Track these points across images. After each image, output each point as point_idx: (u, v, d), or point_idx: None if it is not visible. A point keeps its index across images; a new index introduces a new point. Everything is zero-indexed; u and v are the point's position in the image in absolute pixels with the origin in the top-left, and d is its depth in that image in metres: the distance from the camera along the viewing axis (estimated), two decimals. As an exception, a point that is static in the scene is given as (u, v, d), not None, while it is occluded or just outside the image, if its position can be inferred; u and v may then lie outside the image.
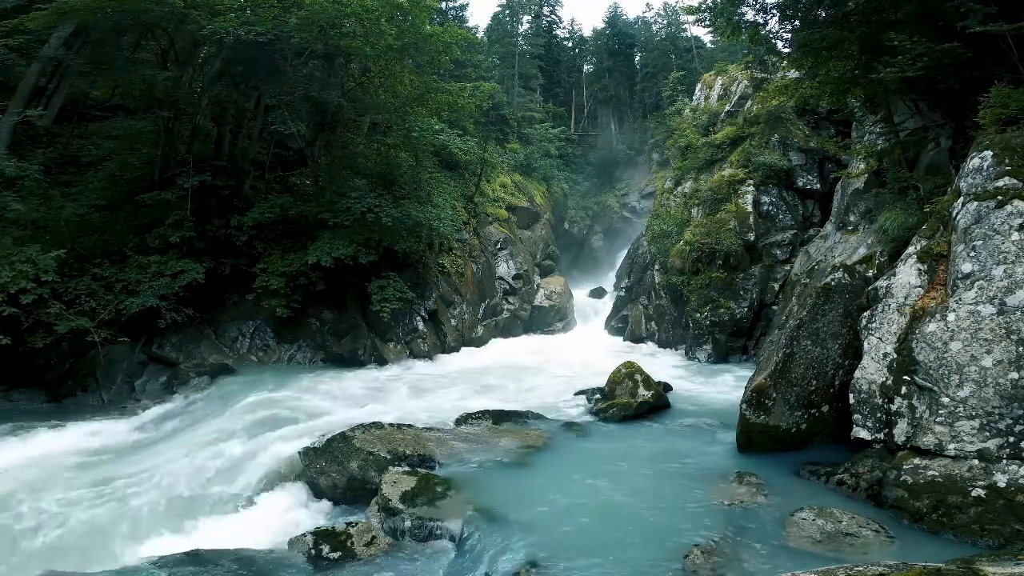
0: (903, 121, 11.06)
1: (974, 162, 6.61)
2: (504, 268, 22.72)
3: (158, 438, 9.57)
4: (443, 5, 32.82)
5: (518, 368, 15.27)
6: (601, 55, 49.67)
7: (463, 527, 5.66)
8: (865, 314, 6.99)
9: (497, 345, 19.56)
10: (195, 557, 5.55)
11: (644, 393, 10.12)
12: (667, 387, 11.39)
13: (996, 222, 5.98)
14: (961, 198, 6.57)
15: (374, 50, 14.60)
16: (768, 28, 11.79)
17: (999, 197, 6.05)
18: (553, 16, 48.13)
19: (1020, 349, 5.53)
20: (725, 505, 5.96)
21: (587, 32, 53.98)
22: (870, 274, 8.32)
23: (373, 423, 8.26)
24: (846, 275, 7.95)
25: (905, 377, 6.18)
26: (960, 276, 6.10)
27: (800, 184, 17.68)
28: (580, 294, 27.12)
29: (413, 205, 14.96)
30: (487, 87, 20.94)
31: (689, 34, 43.86)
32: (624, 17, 50.80)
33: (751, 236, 16.80)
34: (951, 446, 5.69)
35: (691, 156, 20.99)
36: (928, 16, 8.46)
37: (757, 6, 11.52)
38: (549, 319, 23.36)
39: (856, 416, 6.58)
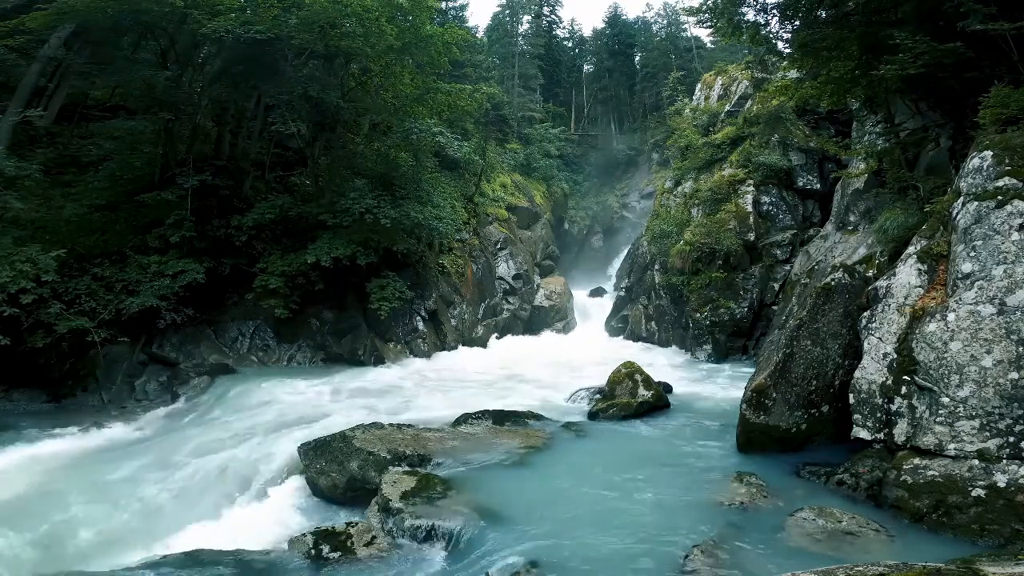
0: (903, 121, 11.06)
1: (974, 162, 6.61)
2: (504, 268, 22.72)
3: (158, 438, 9.57)
4: (443, 5, 32.83)
5: (518, 368, 15.27)
6: (601, 55, 49.72)
7: (463, 527, 5.66)
8: (865, 314, 6.99)
9: (497, 345, 19.56)
10: (195, 557, 5.55)
11: (644, 393, 10.11)
12: (667, 387, 11.37)
13: (996, 222, 5.98)
14: (961, 198, 6.57)
15: (374, 50, 14.59)
16: (769, 28, 11.80)
17: (999, 197, 6.05)
18: (553, 16, 48.17)
19: (1020, 349, 5.53)
20: (725, 505, 5.96)
21: (587, 32, 54.10)
22: (870, 274, 8.31)
23: (373, 423, 8.26)
24: (846, 275, 7.94)
25: (905, 377, 6.18)
26: (960, 276, 6.10)
27: (800, 184, 17.68)
28: (580, 294, 27.12)
29: (413, 205, 14.96)
30: (487, 90, 20.92)
31: (689, 34, 43.88)
32: (624, 17, 50.87)
33: (751, 236, 16.80)
34: (951, 446, 5.69)
35: (691, 156, 20.99)
36: (928, 16, 8.47)
37: (757, 6, 11.54)
38: (549, 319, 23.36)
39: (856, 416, 6.57)
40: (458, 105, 17.66)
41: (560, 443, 8.21)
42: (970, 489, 5.37)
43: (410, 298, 15.45)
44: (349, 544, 5.55)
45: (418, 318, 16.42)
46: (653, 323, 19.66)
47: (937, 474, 5.62)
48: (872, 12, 9.23)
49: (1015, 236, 5.83)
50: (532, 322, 22.87)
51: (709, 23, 12.46)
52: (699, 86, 26.71)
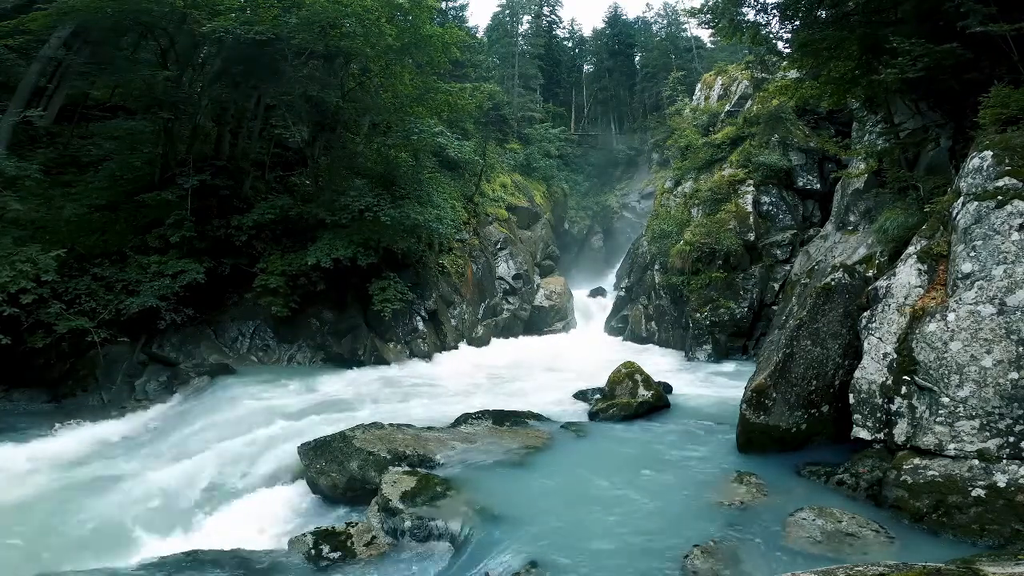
0: (903, 121, 11.06)
1: (974, 162, 6.61)
2: (504, 268, 22.71)
3: (157, 438, 9.58)
4: (443, 5, 32.83)
5: (518, 368, 15.27)
6: (601, 55, 49.77)
7: (463, 527, 5.66)
8: (865, 314, 6.98)
9: (497, 345, 19.56)
10: (195, 557, 5.55)
11: (644, 393, 10.11)
12: (667, 387, 11.37)
13: (996, 222, 5.98)
14: (961, 198, 6.57)
15: (374, 50, 14.59)
16: (769, 28, 11.81)
17: (999, 197, 6.05)
18: (553, 16, 48.22)
19: (1020, 349, 5.53)
20: (725, 505, 5.96)
21: (587, 32, 54.20)
22: (870, 274, 8.31)
23: (373, 423, 8.26)
24: (846, 275, 7.94)
25: (905, 377, 6.17)
26: (960, 276, 6.10)
27: (800, 184, 17.68)
28: (580, 294, 27.12)
29: (413, 205, 14.95)
30: (487, 88, 20.91)
31: (689, 34, 43.91)
32: (624, 17, 50.91)
33: (751, 236, 16.80)
34: (951, 446, 5.69)
35: (691, 156, 20.99)
36: (928, 16, 8.46)
37: (758, 6, 11.54)
38: (549, 319, 23.36)
39: (856, 416, 6.57)
40: (458, 105, 17.65)
41: (560, 443, 8.21)
42: (970, 489, 5.37)
43: (411, 299, 15.45)
44: (349, 544, 5.55)
45: (418, 318, 16.42)
46: (653, 323, 19.65)
47: (937, 474, 5.62)
48: (872, 12, 9.23)
49: (1015, 236, 5.84)
50: (532, 322, 22.86)
51: (710, 23, 12.48)
52: (699, 86, 26.72)
